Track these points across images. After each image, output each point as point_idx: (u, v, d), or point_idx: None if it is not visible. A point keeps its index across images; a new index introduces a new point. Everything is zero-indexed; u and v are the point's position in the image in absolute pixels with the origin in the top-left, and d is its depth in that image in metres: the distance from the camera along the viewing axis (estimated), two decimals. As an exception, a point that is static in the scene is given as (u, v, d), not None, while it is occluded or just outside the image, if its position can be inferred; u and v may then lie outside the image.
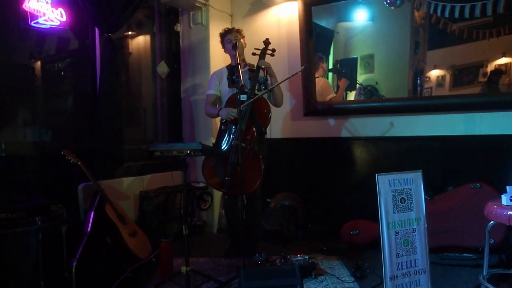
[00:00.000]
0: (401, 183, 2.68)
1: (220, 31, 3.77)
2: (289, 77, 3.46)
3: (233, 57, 3.55)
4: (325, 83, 4.48)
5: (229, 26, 4.05)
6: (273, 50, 3.57)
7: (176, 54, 4.81)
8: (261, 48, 3.56)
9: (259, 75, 3.44)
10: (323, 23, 4.54)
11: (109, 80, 3.70)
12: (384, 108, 4.09)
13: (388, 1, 4.04)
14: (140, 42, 4.90)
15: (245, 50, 3.73)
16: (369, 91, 4.33)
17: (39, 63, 3.81)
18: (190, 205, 4.37)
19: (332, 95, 4.46)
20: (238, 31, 3.70)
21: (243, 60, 3.68)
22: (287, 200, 4.30)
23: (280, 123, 4.64)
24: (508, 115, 3.48)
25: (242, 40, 3.65)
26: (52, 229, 2.76)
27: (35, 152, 3.67)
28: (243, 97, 3.07)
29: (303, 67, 3.86)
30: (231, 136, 3.44)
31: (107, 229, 3.33)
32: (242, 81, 3.05)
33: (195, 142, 2.98)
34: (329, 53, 4.54)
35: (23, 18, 3.33)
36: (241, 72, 3.27)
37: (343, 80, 4.46)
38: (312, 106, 4.37)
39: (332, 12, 4.46)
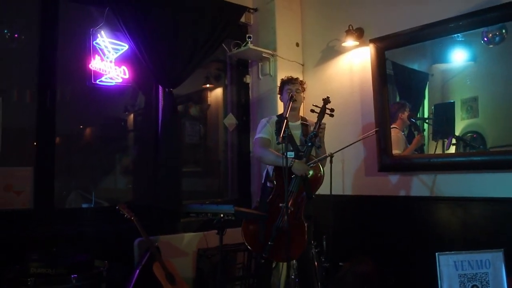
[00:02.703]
0: (473, 266, 2.12)
1: (283, 77, 3.56)
2: (355, 141, 3.38)
3: (286, 107, 3.31)
4: (395, 136, 3.94)
5: (300, 76, 3.79)
6: (332, 110, 3.25)
7: (245, 106, 4.74)
8: (320, 106, 3.27)
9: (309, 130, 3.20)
10: (415, 66, 4.15)
11: (169, 135, 3.69)
12: (475, 164, 3.44)
13: (486, 39, 3.57)
14: (217, 94, 4.95)
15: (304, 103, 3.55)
16: (464, 141, 3.72)
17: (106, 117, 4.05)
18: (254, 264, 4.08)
19: (397, 151, 3.91)
20: (301, 84, 3.45)
21: (298, 113, 3.45)
22: (359, 266, 3.77)
23: (352, 179, 4.22)
24: None
25: (302, 94, 3.41)
26: (89, 287, 2.71)
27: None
28: (290, 154, 2.80)
29: (373, 131, 3.57)
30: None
31: (151, 289, 3.19)
32: (281, 137, 2.73)
33: (229, 205, 2.76)
34: (423, 98, 4.05)
35: (88, 77, 3.50)
36: (293, 126, 3.10)
37: (418, 137, 3.94)
38: (387, 161, 3.88)
39: (425, 53, 4.00)
